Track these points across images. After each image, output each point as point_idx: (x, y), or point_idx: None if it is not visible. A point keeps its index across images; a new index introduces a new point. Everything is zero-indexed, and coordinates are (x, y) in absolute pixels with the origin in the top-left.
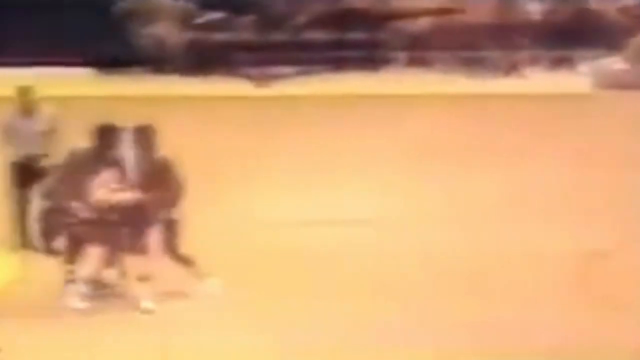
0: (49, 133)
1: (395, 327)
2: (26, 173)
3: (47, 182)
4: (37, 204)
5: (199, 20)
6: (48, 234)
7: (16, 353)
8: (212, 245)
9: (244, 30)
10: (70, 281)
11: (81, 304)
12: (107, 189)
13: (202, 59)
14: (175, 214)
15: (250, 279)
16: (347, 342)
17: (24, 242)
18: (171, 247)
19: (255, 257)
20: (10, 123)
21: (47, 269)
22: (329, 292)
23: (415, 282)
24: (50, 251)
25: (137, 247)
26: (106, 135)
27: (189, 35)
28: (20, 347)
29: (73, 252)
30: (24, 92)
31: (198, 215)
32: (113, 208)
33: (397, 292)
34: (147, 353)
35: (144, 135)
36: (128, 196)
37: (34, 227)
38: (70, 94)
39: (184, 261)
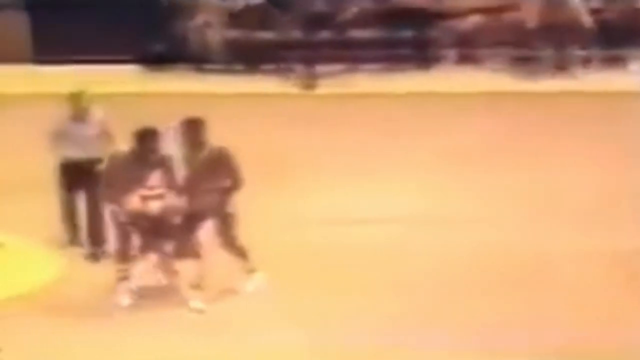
0: (100, 137)
1: (438, 327)
2: (75, 174)
3: (94, 185)
4: (84, 205)
5: (239, 5)
6: (95, 235)
7: (63, 351)
8: (259, 242)
9: (290, 27)
10: (122, 279)
11: (130, 302)
12: (145, 196)
13: (248, 57)
14: (232, 206)
15: (298, 276)
16: (391, 341)
17: (72, 241)
18: (228, 240)
19: (302, 254)
20: (62, 127)
21: (94, 268)
22: (375, 290)
23: (459, 282)
24: (96, 254)
25: (188, 246)
26: (147, 138)
27: (235, 33)
28: (68, 344)
29: (124, 251)
30: (76, 97)
31: (244, 212)
32: (157, 212)
33: (440, 291)
34: (194, 351)
35: (192, 129)
36: (160, 205)
37: (82, 227)
38: (117, 91)
39: (240, 253)
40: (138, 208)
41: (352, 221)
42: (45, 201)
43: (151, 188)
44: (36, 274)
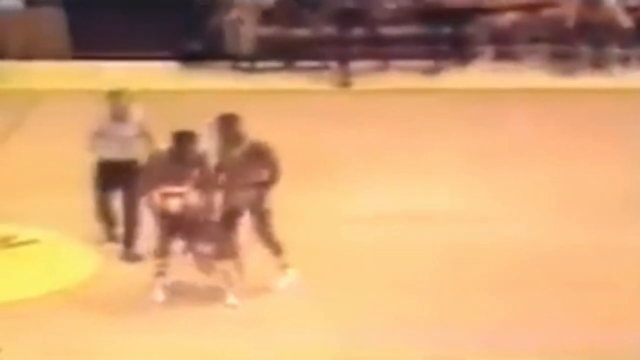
0: (139, 138)
1: (470, 326)
2: (113, 174)
3: (131, 185)
4: (120, 204)
5: (272, 1)
6: (131, 235)
7: (97, 346)
8: (293, 238)
9: (324, 24)
10: (159, 275)
11: (164, 298)
12: (166, 193)
13: (282, 54)
14: (268, 202)
15: (332, 273)
16: (428, 339)
17: (108, 239)
18: (265, 237)
19: (336, 252)
20: (101, 126)
21: (129, 264)
22: (408, 289)
23: (499, 279)
24: (131, 254)
25: (225, 242)
26: (185, 140)
27: (269, 30)
28: (102, 340)
29: (162, 247)
30: (116, 96)
31: (279, 209)
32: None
33: (480, 287)
34: (227, 347)
35: (227, 125)
36: (179, 203)
37: (118, 226)
38: (153, 88)
39: (275, 249)
40: (158, 205)
41: (385, 218)
42: (82, 197)
43: (176, 185)
44: (71, 270)
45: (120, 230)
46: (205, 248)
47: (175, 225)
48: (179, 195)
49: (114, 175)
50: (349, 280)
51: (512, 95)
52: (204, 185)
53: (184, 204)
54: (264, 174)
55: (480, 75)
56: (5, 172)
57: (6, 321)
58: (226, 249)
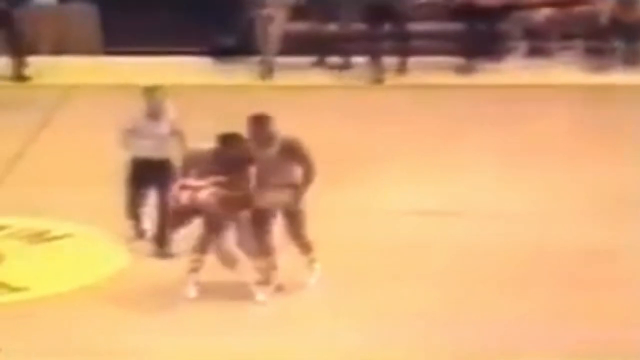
0: (172, 136)
1: (504, 320)
2: (146, 172)
3: (165, 184)
4: (154, 200)
5: None
6: (163, 234)
7: (127, 342)
8: (325, 234)
9: (355, 20)
10: (193, 270)
11: (195, 295)
12: (185, 186)
13: (313, 49)
14: (301, 202)
15: (362, 269)
16: (457, 335)
17: (139, 235)
18: (296, 237)
19: (368, 247)
20: (136, 124)
21: (160, 261)
22: (441, 284)
23: (534, 277)
24: (164, 252)
25: (258, 241)
26: (229, 141)
27: (299, 25)
28: (132, 336)
29: (201, 242)
30: (152, 92)
31: (311, 205)
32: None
33: (508, 285)
34: (257, 344)
35: (259, 125)
36: (188, 196)
37: (150, 222)
38: (186, 83)
39: (306, 249)
40: (174, 196)
41: (419, 213)
42: (115, 193)
43: (198, 179)
44: (103, 265)
45: (152, 228)
46: (230, 241)
47: (193, 219)
48: (195, 188)
49: (147, 174)
50: (379, 276)
51: (545, 91)
52: (233, 184)
53: (195, 197)
54: (298, 174)
55: (513, 71)
56: (38, 167)
57: (37, 316)
58: (259, 249)
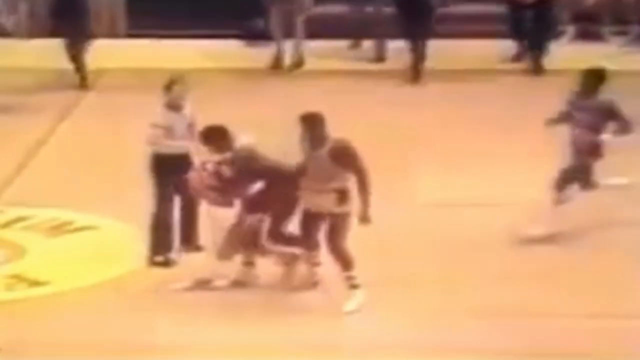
0: (190, 129)
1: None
2: (168, 166)
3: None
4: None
5: None
6: (189, 235)
7: (148, 338)
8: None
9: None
10: (247, 264)
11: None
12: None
13: (349, 32)
14: (348, 207)
15: (409, 262)
16: (506, 335)
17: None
18: (336, 248)
19: (415, 238)
20: (161, 118)
21: (187, 257)
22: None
23: (577, 273)
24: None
25: (303, 244)
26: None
27: (333, 8)
28: (153, 331)
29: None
30: (172, 84)
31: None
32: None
33: (549, 281)
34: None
35: (311, 123)
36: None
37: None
38: (217, 66)
39: (345, 262)
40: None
41: (466, 205)
42: (140, 184)
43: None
44: (126, 259)
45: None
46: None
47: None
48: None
49: (171, 171)
50: (428, 269)
51: None
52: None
53: (201, 172)
54: (345, 178)
55: (563, 55)
56: (61, 154)
57: (58, 311)
58: (304, 251)
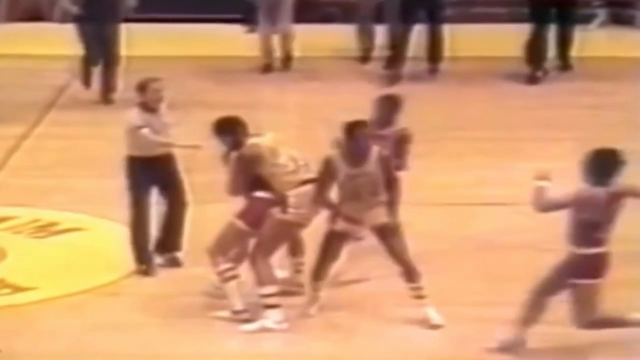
0: (166, 128)
1: None
2: (144, 169)
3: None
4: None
5: None
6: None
7: (141, 344)
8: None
9: None
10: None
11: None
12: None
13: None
14: (392, 219)
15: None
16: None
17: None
18: (396, 256)
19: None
20: (140, 119)
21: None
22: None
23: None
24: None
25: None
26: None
27: None
28: (153, 339)
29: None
30: (147, 84)
31: None
32: None
33: None
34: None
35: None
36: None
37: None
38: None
39: (407, 269)
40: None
41: (486, 200)
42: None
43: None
44: (116, 262)
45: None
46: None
47: None
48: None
49: (152, 174)
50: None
51: (625, 62)
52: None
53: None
54: (386, 191)
55: (594, 41)
56: (45, 150)
57: (44, 318)
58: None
